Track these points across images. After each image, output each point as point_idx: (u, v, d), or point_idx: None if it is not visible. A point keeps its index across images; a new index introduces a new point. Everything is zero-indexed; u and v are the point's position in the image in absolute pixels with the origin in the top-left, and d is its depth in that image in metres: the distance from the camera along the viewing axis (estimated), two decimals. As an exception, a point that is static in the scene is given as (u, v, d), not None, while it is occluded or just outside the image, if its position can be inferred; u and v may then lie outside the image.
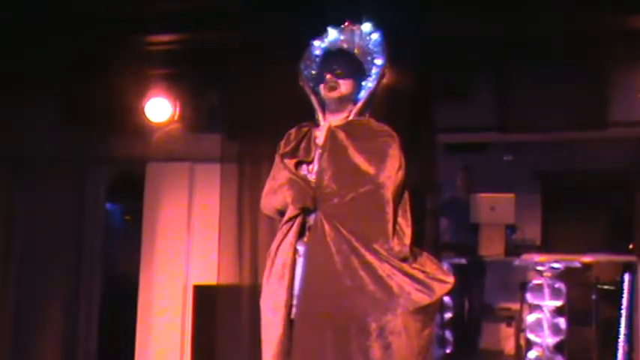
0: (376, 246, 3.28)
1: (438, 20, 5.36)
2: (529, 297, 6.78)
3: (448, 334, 7.56)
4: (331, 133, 3.46)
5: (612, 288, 7.51)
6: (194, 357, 6.58)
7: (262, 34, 5.59)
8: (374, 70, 3.58)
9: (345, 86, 3.53)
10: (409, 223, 3.44)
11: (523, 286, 7.18)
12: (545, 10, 5.31)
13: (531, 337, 6.72)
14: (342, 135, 3.45)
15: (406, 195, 3.48)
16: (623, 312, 6.90)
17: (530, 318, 6.76)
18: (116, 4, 5.51)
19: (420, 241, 5.98)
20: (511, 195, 7.90)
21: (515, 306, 8.01)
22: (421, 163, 5.94)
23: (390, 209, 3.33)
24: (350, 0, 4.54)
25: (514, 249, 7.86)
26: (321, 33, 3.70)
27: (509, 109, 6.27)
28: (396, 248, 3.30)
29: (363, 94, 3.58)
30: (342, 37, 3.65)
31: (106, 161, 7.25)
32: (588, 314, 7.20)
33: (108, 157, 7.15)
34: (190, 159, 7.01)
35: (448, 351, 7.47)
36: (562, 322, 6.67)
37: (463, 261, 7.71)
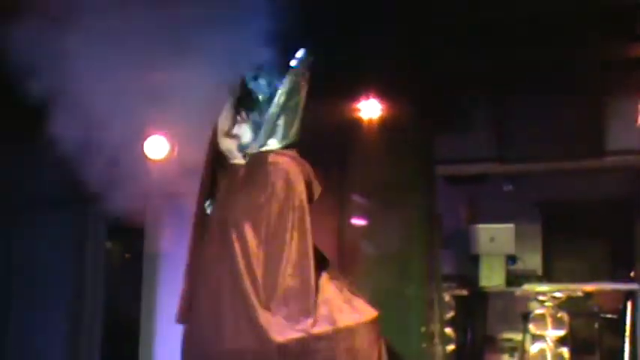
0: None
1: (438, 55, 5.42)
2: (531, 327, 6.77)
3: (452, 367, 7.51)
4: (233, 171, 3.85)
5: (615, 317, 7.49)
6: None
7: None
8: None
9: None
10: (306, 251, 3.60)
11: (525, 317, 7.16)
12: (542, 42, 5.35)
13: (535, 367, 6.70)
14: (242, 171, 3.81)
15: (295, 222, 3.62)
16: (627, 340, 6.88)
17: (533, 348, 6.74)
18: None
19: (422, 273, 6.01)
20: (510, 225, 7.90)
21: (518, 336, 7.98)
22: (422, 195, 5.97)
23: (245, 237, 3.63)
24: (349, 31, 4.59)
25: (515, 279, 7.84)
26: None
27: (508, 140, 6.31)
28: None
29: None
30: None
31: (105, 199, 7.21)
32: (591, 343, 7.19)
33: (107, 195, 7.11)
34: (190, 195, 6.98)
35: (452, 383, 7.42)
36: (565, 351, 6.65)
37: (464, 292, 7.68)
